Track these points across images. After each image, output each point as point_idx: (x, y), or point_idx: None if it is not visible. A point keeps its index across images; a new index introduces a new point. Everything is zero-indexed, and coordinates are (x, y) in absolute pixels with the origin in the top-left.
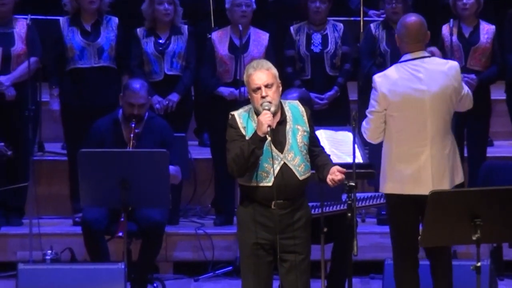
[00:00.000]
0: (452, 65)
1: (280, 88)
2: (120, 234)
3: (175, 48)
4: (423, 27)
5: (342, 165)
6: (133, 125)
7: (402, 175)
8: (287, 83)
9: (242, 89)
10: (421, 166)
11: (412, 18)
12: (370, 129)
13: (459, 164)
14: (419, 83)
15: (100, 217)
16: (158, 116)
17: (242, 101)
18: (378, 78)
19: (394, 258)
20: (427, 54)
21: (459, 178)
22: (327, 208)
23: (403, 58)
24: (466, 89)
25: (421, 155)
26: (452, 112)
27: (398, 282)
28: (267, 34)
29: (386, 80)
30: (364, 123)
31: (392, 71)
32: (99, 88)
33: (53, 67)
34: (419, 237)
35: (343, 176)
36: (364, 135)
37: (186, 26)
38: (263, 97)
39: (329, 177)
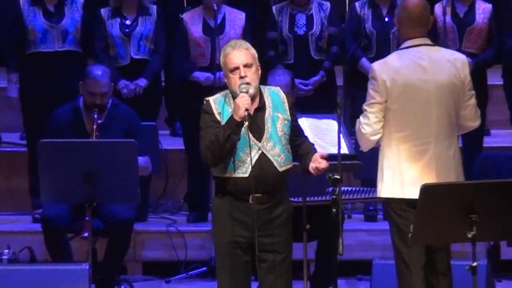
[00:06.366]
0: (459, 57)
1: (260, 71)
2: (85, 234)
3: (143, 30)
4: (426, 10)
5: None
6: (95, 116)
7: (403, 177)
8: (268, 67)
9: (219, 73)
10: (424, 167)
11: (413, 0)
12: (370, 124)
13: (462, 168)
14: (423, 72)
15: (62, 214)
16: (122, 103)
17: (218, 87)
18: (377, 65)
19: (396, 265)
20: (430, 42)
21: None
22: (309, 198)
23: (404, 45)
24: (474, 99)
25: (424, 154)
26: (457, 111)
27: None
28: (243, 14)
29: (386, 68)
30: (361, 118)
31: (393, 58)
32: (63, 74)
33: (11, 50)
34: (409, 234)
35: (327, 163)
36: (361, 133)
37: (155, 6)
38: (241, 78)
39: (312, 165)
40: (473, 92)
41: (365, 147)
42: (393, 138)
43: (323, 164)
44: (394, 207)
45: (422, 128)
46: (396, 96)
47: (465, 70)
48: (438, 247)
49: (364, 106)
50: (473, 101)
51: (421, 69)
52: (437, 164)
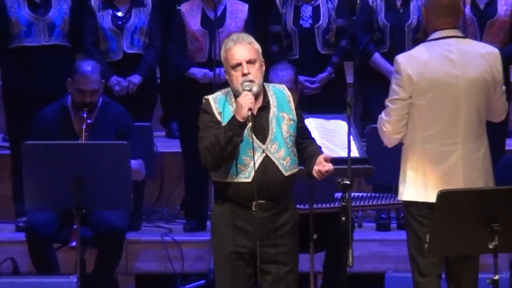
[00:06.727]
0: (492, 51)
1: (264, 67)
2: (73, 244)
3: (136, 23)
4: None
5: (334, 159)
6: (84, 115)
7: (427, 179)
8: (272, 64)
9: (218, 70)
10: (450, 169)
11: None
12: (391, 122)
13: (492, 172)
14: (452, 66)
15: (48, 222)
16: (114, 101)
17: (217, 85)
18: (401, 58)
19: (413, 276)
20: (460, 34)
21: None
22: (317, 205)
23: (432, 36)
24: (505, 95)
25: (451, 155)
26: (487, 109)
27: None
28: (246, 5)
29: (412, 61)
30: (382, 114)
31: (420, 51)
32: (50, 70)
33: None
34: (425, 245)
35: (331, 166)
36: (382, 131)
37: None
38: (244, 75)
39: (315, 168)
40: (504, 88)
41: (388, 144)
42: (417, 136)
43: (327, 166)
44: (414, 213)
45: (449, 127)
46: (423, 92)
47: (498, 65)
48: (463, 258)
49: (387, 102)
50: (504, 97)
51: (449, 62)
52: (464, 166)
